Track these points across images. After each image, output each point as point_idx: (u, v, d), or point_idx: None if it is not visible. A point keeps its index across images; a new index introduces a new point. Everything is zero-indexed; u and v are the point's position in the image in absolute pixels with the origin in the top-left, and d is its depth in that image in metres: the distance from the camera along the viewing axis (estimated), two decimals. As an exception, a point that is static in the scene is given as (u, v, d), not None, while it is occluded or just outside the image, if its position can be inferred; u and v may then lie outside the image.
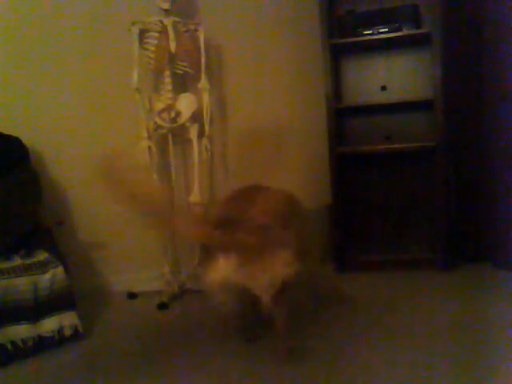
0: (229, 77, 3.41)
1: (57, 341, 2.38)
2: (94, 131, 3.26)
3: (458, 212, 3.25)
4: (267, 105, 3.45)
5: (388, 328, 2.28)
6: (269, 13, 3.40)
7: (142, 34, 2.96)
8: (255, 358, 2.07)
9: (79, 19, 3.19)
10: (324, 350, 2.09)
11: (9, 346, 2.26)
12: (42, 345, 2.34)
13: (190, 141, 3.12)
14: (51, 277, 2.40)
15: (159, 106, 3.01)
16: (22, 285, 2.32)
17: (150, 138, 2.99)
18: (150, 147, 2.97)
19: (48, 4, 3.15)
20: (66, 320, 2.42)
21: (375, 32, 3.09)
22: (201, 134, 3.10)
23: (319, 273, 3.19)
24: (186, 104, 3.04)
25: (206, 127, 3.09)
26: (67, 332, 2.41)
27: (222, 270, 1.89)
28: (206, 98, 3.08)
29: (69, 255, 2.82)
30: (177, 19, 2.99)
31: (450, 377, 1.80)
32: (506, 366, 1.85)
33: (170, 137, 3.11)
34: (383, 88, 3.33)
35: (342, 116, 3.37)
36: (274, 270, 1.88)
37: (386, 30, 3.07)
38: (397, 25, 3.06)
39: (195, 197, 3.07)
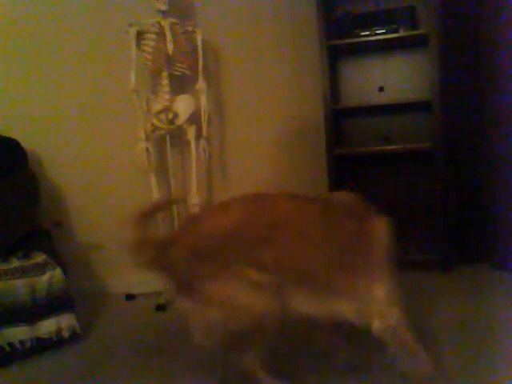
0: (226, 78, 3.41)
1: (55, 342, 2.39)
2: (91, 133, 3.26)
3: (456, 213, 3.25)
4: (265, 106, 3.45)
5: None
6: (266, 14, 3.40)
7: (140, 35, 2.96)
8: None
9: (77, 21, 3.20)
10: (322, 353, 2.09)
11: (7, 348, 2.26)
12: (40, 346, 2.34)
13: (187, 142, 3.12)
14: (49, 278, 2.40)
15: (157, 107, 3.01)
16: (19, 287, 2.33)
17: (147, 139, 2.99)
18: (147, 149, 2.97)
19: (46, 6, 3.15)
20: (64, 322, 2.42)
21: (372, 33, 3.09)
22: (198, 136, 3.10)
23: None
24: (183, 106, 3.04)
25: (204, 129, 3.09)
26: (65, 334, 2.42)
27: None
28: (203, 99, 3.08)
29: (67, 257, 2.81)
30: (174, 21, 2.99)
31: (450, 376, 1.81)
32: (505, 365, 1.86)
33: (167, 138, 3.11)
34: (381, 89, 3.33)
35: (340, 117, 3.38)
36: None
37: (384, 31, 3.07)
38: (394, 26, 3.06)
39: (193, 198, 3.07)
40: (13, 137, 2.93)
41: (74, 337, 2.44)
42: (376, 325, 1.65)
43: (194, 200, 3.06)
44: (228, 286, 1.57)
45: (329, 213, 1.73)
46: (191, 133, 3.08)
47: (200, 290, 1.58)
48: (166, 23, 2.95)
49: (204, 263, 1.58)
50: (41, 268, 2.41)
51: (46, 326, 2.38)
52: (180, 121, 3.05)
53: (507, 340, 2.08)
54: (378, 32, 3.08)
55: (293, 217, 1.69)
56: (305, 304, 1.66)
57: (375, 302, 1.66)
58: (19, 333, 2.30)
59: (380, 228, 1.72)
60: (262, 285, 1.58)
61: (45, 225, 2.90)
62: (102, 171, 3.28)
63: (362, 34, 3.11)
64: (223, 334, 1.60)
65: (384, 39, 3.08)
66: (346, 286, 1.65)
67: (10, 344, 2.27)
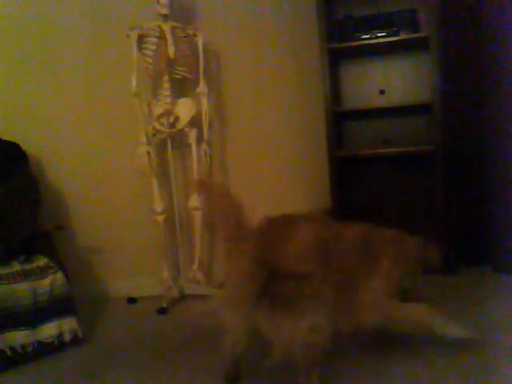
0: (227, 81, 3.42)
1: (56, 346, 2.38)
2: (93, 136, 3.26)
3: (457, 215, 3.25)
4: (266, 109, 3.45)
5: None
6: (267, 17, 3.41)
7: (141, 39, 2.97)
8: (255, 363, 2.07)
9: (78, 25, 3.20)
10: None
11: (8, 352, 2.25)
12: (41, 350, 2.34)
13: (188, 146, 3.13)
14: (51, 282, 2.40)
15: (158, 110, 3.02)
16: (21, 290, 2.32)
17: (148, 143, 2.99)
18: (148, 152, 2.98)
19: (48, 9, 3.15)
20: (66, 325, 2.42)
21: (373, 36, 3.10)
22: (200, 139, 3.11)
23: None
24: (184, 109, 3.05)
25: (205, 132, 3.09)
26: (67, 337, 2.41)
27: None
28: (204, 102, 3.09)
29: (68, 260, 2.81)
30: (175, 24, 3.00)
31: (451, 380, 1.80)
32: (507, 367, 1.85)
33: (168, 142, 3.11)
34: (381, 92, 3.33)
35: (341, 120, 3.38)
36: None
37: (384, 34, 3.08)
38: (394, 29, 3.07)
39: (194, 202, 3.07)
40: (14, 140, 2.93)
41: (76, 340, 2.43)
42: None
43: (195, 203, 3.07)
44: (318, 309, 1.66)
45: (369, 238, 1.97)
46: (192, 136, 3.09)
47: (299, 309, 1.64)
48: (167, 27, 2.96)
49: (309, 285, 1.67)
50: (42, 272, 2.41)
51: (48, 330, 2.37)
52: (181, 124, 3.05)
53: (509, 342, 2.07)
54: (378, 35, 3.09)
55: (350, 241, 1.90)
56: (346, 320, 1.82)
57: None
58: (21, 337, 2.29)
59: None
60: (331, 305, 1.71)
61: (46, 228, 2.89)
62: (104, 174, 3.28)
63: (363, 37, 3.11)
64: (302, 352, 1.66)
65: (385, 42, 3.09)
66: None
67: (12, 348, 2.26)
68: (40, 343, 2.34)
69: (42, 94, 3.19)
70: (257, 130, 3.45)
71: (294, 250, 1.73)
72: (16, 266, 2.41)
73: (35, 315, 2.34)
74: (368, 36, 3.11)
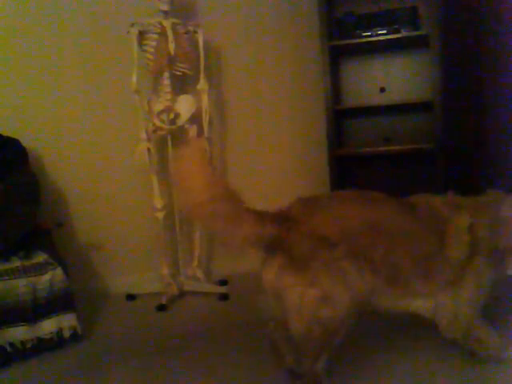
0: (228, 78, 3.41)
1: (56, 342, 2.38)
2: (93, 133, 3.25)
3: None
4: (266, 106, 3.45)
5: (389, 331, 2.27)
6: (268, 14, 3.41)
7: (141, 35, 2.96)
8: (255, 361, 2.07)
9: (78, 21, 3.19)
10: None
11: (8, 348, 2.26)
12: (40, 346, 2.34)
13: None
14: (50, 278, 2.40)
15: (158, 107, 3.01)
16: (20, 286, 2.32)
17: (149, 139, 2.99)
18: (149, 149, 2.97)
19: (47, 6, 3.14)
20: (65, 322, 2.42)
21: (374, 34, 3.10)
22: (200, 136, 3.10)
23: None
24: (185, 106, 3.04)
25: (205, 129, 3.09)
26: (66, 334, 2.41)
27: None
28: (205, 99, 3.08)
29: (68, 257, 2.81)
30: (176, 21, 2.99)
31: (450, 379, 1.82)
32: (504, 368, 1.86)
33: (169, 138, 3.11)
34: (382, 90, 3.33)
35: (341, 118, 3.38)
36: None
37: (385, 31, 3.08)
38: (395, 27, 3.07)
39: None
40: (14, 136, 2.92)
41: (75, 337, 2.43)
42: (442, 326, 1.81)
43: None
44: (333, 276, 1.62)
45: (417, 214, 1.84)
46: (192, 133, 3.08)
47: (312, 273, 1.60)
48: (167, 23, 2.95)
49: (326, 249, 1.62)
50: (42, 268, 2.41)
51: (47, 326, 2.37)
52: (181, 121, 3.05)
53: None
54: (379, 33, 3.09)
55: (391, 217, 1.80)
56: (387, 301, 1.78)
57: (446, 304, 1.79)
58: (20, 333, 2.29)
59: (460, 231, 1.81)
60: (356, 286, 1.64)
61: (46, 225, 2.89)
62: (104, 171, 3.27)
63: (364, 34, 3.12)
64: (311, 320, 1.61)
65: (385, 40, 3.09)
66: (425, 285, 1.77)
67: (11, 344, 2.26)
68: (39, 339, 2.34)
69: (42, 90, 3.18)
70: (257, 127, 3.45)
71: (327, 219, 1.68)
72: (15, 262, 2.41)
73: (34, 311, 2.34)
74: (369, 33, 3.11)
